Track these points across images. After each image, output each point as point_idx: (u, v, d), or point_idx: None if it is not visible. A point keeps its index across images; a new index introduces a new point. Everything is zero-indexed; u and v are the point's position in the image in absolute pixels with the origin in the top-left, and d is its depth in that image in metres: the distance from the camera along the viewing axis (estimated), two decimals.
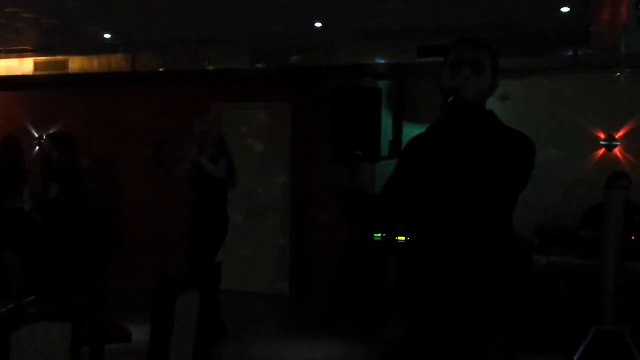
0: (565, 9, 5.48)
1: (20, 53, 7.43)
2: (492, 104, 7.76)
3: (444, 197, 2.20)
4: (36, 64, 7.58)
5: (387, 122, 7.03)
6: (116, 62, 7.37)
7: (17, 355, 2.07)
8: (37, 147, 8.58)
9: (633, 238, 5.49)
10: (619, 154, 6.63)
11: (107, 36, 6.65)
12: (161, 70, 7.36)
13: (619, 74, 6.23)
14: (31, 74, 7.64)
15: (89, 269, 7.87)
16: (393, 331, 2.41)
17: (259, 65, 7.05)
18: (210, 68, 7.16)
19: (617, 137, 6.63)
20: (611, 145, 6.64)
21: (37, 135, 8.62)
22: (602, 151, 6.68)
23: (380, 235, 6.87)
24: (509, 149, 2.18)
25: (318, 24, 6.07)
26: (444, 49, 6.95)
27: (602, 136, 6.67)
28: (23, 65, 7.63)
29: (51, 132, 7.98)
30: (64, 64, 7.47)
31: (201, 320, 2.77)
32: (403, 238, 6.72)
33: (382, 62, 6.73)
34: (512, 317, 2.23)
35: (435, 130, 2.32)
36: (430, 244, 2.23)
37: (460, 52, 2.29)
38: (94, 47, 7.08)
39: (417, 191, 2.28)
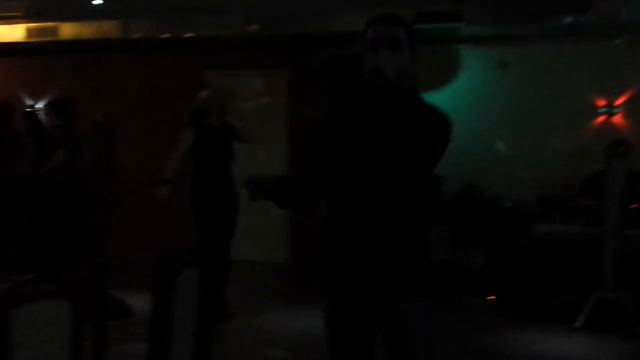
0: None
1: (10, 19, 7.27)
2: (491, 70, 7.68)
3: (361, 173, 2.26)
4: (27, 30, 7.42)
5: None
6: (108, 28, 7.22)
7: (18, 333, 2.03)
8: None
9: (634, 206, 5.46)
10: (618, 121, 6.58)
11: (97, 2, 6.50)
12: (154, 37, 7.21)
13: (618, 40, 6.18)
14: (22, 40, 7.49)
15: (91, 239, 7.83)
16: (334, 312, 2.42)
17: (254, 31, 6.92)
18: (204, 35, 7.02)
19: (616, 104, 6.58)
20: (611, 112, 6.59)
21: (29, 103, 8.50)
22: (602, 118, 6.63)
23: None
24: (422, 126, 2.24)
25: None
26: (443, 15, 6.80)
27: (602, 103, 6.61)
28: (14, 32, 7.47)
29: (50, 99, 7.85)
30: (55, 31, 7.32)
31: (202, 295, 2.73)
32: None
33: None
34: (428, 283, 2.34)
35: (352, 108, 2.36)
36: (349, 220, 2.30)
37: (377, 30, 2.28)
38: (85, 14, 6.93)
39: (337, 168, 2.32)
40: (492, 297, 5.89)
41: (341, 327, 2.36)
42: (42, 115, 8.14)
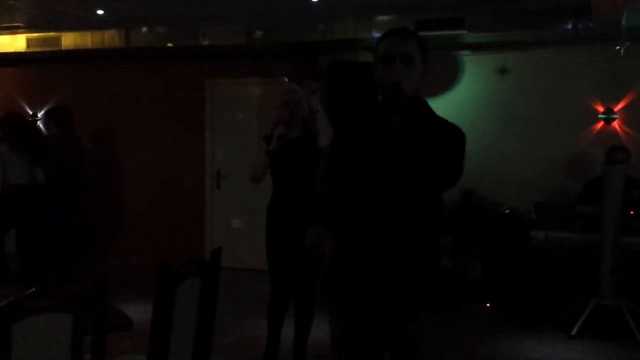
0: None
1: (12, 30, 7.32)
2: (491, 77, 7.69)
3: (377, 184, 2.25)
4: (28, 41, 7.48)
5: None
6: (109, 38, 7.27)
7: (19, 347, 2.06)
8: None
9: (631, 213, 5.48)
10: (617, 127, 6.61)
11: (100, 12, 6.55)
12: (155, 46, 7.25)
13: (618, 47, 6.20)
14: (23, 50, 7.54)
15: (90, 248, 7.88)
16: (339, 328, 2.45)
17: (254, 41, 6.96)
18: (205, 44, 7.07)
19: (615, 110, 6.61)
20: (610, 118, 6.62)
21: (30, 112, 8.55)
22: (600, 124, 6.65)
23: None
24: (441, 139, 2.24)
25: None
26: (444, 22, 6.80)
27: (601, 109, 6.64)
28: (15, 42, 7.53)
29: (47, 108, 7.92)
30: (57, 40, 7.37)
31: (203, 306, 2.76)
32: None
33: (379, 36, 6.63)
34: (439, 295, 2.32)
35: (368, 120, 2.37)
36: (360, 231, 2.29)
37: (390, 45, 2.30)
38: (87, 24, 6.98)
39: (350, 179, 2.32)
40: (488, 305, 5.92)
41: (350, 345, 2.36)
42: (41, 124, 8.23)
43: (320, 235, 2.28)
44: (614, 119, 6.61)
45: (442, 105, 5.99)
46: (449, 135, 2.27)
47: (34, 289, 2.11)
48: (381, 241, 2.25)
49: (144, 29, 7.16)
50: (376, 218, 2.25)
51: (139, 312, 3.30)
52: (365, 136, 2.33)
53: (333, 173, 2.43)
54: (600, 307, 5.22)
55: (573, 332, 5.18)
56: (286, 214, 4.17)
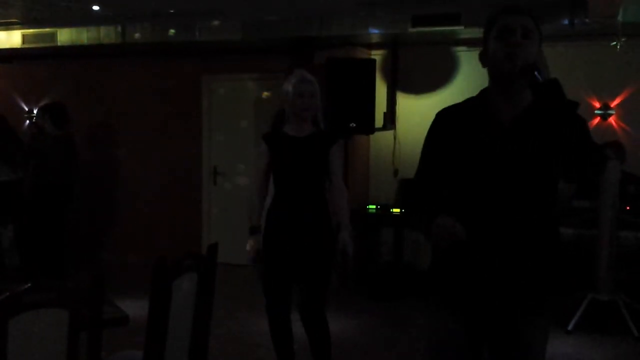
0: None
1: (7, 25, 7.31)
2: (487, 72, 7.60)
3: (495, 175, 2.18)
4: (24, 37, 7.46)
5: (381, 93, 6.97)
6: (105, 33, 7.25)
7: (15, 342, 2.05)
8: (27, 121, 8.50)
9: (627, 208, 5.50)
10: (613, 122, 6.62)
11: (96, 8, 6.54)
12: (151, 42, 7.24)
13: (615, 42, 6.21)
14: (19, 46, 7.53)
15: (85, 246, 7.88)
16: (442, 321, 2.35)
17: (251, 37, 6.95)
18: (202, 39, 7.06)
19: (612, 105, 6.61)
20: (606, 114, 6.62)
21: (26, 109, 8.53)
22: (597, 120, 6.66)
23: (374, 207, 6.87)
24: (566, 127, 2.15)
25: None
26: (441, 18, 6.75)
27: (597, 105, 6.64)
28: (11, 38, 7.52)
29: (43, 103, 7.89)
30: (52, 36, 7.35)
31: (198, 301, 2.76)
32: (397, 210, 6.72)
33: (376, 32, 6.64)
34: (552, 296, 2.27)
35: (480, 102, 2.31)
36: (478, 228, 2.17)
37: (507, 19, 2.22)
38: (83, 19, 6.96)
39: (460, 171, 2.24)
40: None
41: (459, 339, 2.29)
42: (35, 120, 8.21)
43: (449, 221, 2.09)
44: (610, 115, 6.61)
45: (438, 101, 6.02)
46: (571, 124, 2.17)
47: (29, 284, 2.10)
48: (502, 237, 2.17)
49: (140, 25, 7.14)
50: (504, 217, 2.17)
51: (135, 307, 3.30)
52: (474, 123, 2.27)
53: (451, 174, 2.30)
54: (596, 302, 5.24)
55: (569, 327, 5.19)
56: (288, 220, 3.70)
